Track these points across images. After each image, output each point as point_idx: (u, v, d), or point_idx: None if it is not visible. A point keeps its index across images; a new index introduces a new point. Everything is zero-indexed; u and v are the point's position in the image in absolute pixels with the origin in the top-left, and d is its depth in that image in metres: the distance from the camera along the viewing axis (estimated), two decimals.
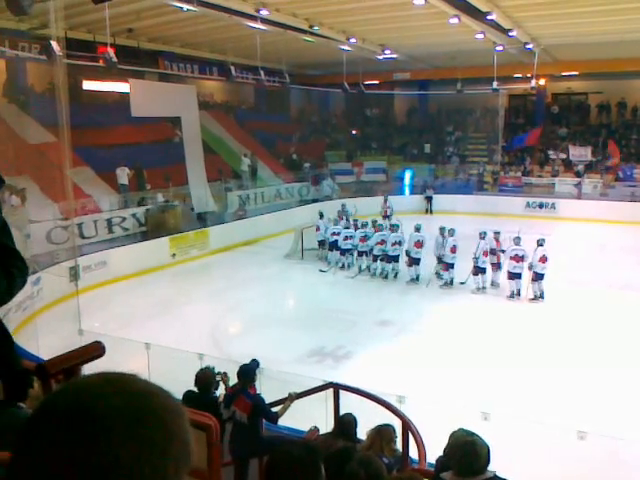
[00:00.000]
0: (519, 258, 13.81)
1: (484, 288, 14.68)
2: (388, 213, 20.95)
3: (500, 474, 3.22)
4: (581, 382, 9.17)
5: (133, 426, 0.72)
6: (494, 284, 14.87)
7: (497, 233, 14.87)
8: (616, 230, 20.71)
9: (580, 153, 26.19)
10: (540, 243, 13.86)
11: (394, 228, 16.08)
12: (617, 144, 26.31)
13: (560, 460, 6.56)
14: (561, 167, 26.60)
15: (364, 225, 16.89)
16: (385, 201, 21.52)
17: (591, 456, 6.36)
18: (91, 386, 0.76)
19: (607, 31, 19.39)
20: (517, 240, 14.03)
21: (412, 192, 27.06)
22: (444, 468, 3.54)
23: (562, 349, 10.62)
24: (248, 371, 5.87)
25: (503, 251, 14.51)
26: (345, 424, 5.08)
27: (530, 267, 13.65)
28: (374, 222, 17.02)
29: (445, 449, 3.32)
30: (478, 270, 14.53)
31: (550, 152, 27.04)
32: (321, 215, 18.47)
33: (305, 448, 2.17)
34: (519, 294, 14.05)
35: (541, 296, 13.84)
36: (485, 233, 14.66)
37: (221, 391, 6.27)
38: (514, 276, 14.01)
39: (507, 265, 14.23)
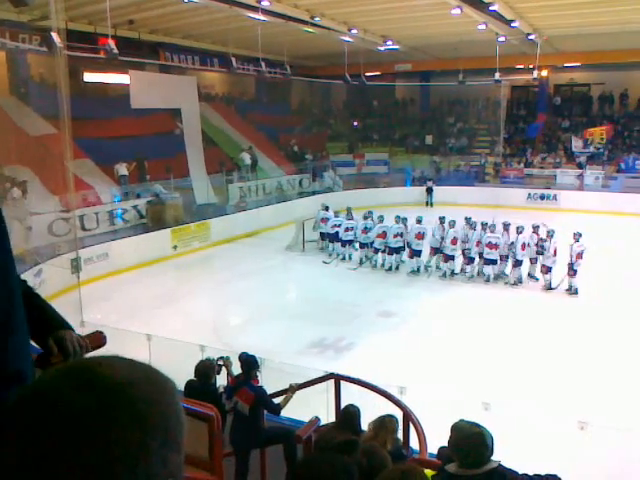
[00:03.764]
0: (493, 245, 14.38)
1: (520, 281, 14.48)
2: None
3: (503, 463, 3.23)
4: (585, 373, 9.18)
5: (104, 428, 0.66)
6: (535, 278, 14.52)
7: (536, 227, 14.51)
8: (617, 222, 20.66)
9: (582, 145, 26.10)
10: (550, 234, 14.13)
11: (398, 220, 16.05)
12: (619, 136, 26.33)
13: (561, 450, 6.58)
14: (563, 159, 26.55)
15: (365, 217, 16.84)
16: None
17: (593, 447, 6.37)
18: (55, 389, 0.70)
19: (610, 22, 19.30)
20: (492, 227, 14.64)
21: (411, 184, 26.95)
22: (447, 460, 3.54)
23: (565, 339, 10.64)
24: (251, 362, 5.87)
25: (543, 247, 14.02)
26: (349, 415, 5.04)
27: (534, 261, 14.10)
28: (369, 214, 16.88)
29: (449, 442, 3.31)
30: (517, 263, 14.37)
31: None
32: (326, 208, 18.24)
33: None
34: (496, 279, 14.69)
35: (550, 287, 14.02)
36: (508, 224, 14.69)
37: (223, 376, 6.31)
38: (489, 262, 14.66)
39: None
